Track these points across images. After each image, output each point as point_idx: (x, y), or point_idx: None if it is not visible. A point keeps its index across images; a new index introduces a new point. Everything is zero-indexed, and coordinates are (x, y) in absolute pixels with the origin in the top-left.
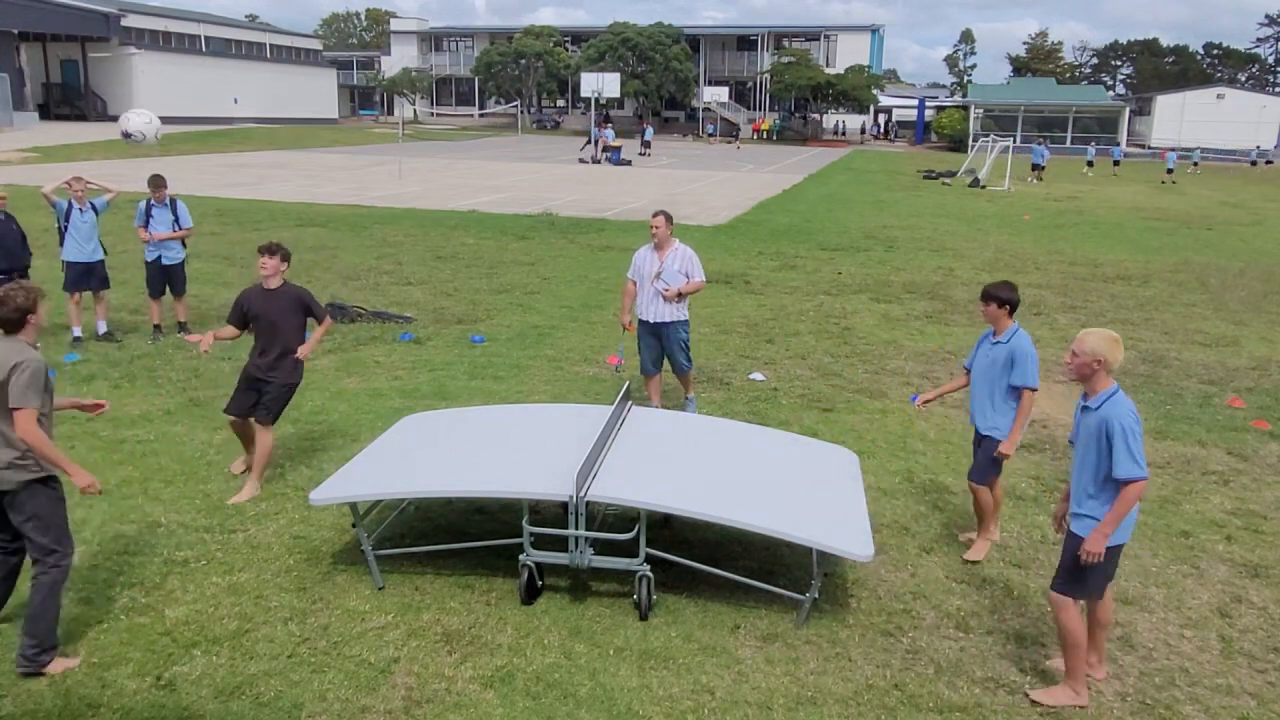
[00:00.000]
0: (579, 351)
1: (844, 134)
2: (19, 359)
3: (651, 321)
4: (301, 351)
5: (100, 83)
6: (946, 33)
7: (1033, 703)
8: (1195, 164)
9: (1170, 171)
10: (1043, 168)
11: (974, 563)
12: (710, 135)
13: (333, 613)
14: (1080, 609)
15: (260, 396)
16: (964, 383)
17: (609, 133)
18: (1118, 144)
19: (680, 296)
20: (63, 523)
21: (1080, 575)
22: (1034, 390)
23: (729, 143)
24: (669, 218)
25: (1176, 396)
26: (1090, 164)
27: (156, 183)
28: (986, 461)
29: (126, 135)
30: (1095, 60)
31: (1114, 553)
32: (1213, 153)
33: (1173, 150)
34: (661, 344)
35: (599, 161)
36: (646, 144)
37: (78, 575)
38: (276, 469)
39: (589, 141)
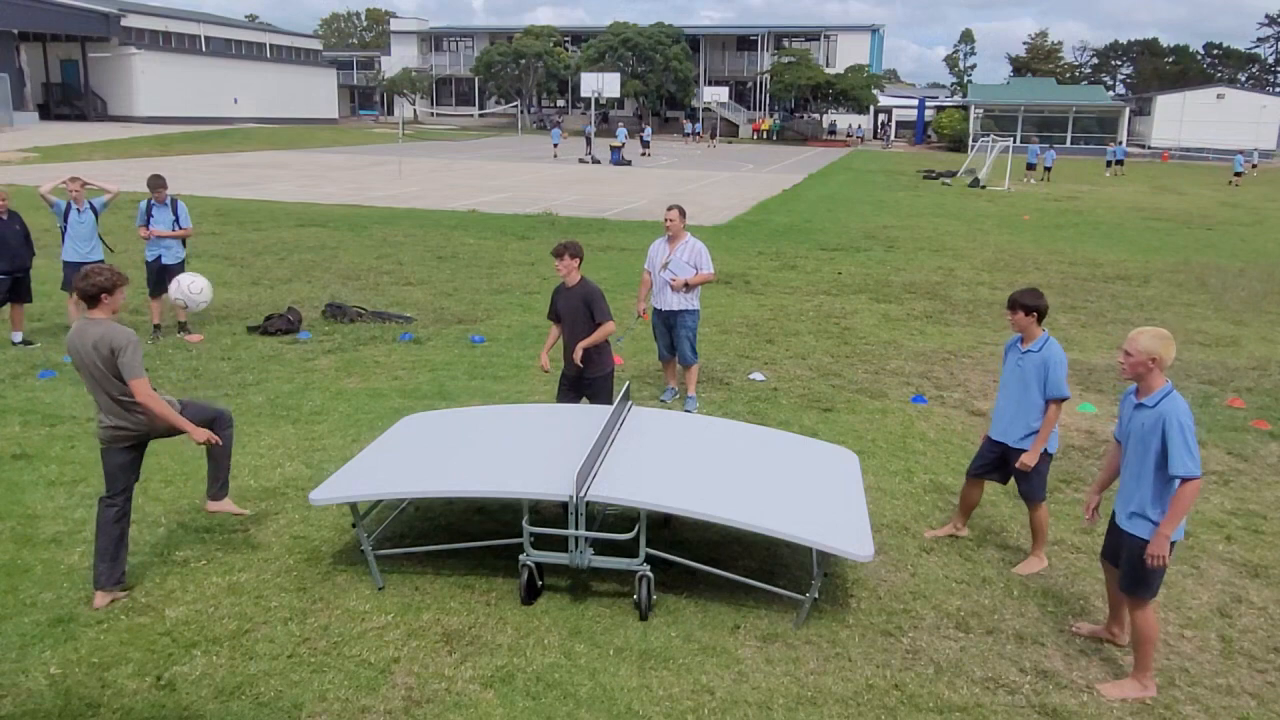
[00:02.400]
0: None
1: (834, 134)
2: (117, 341)
3: (663, 310)
4: (575, 354)
5: (100, 83)
6: (946, 33)
7: (1103, 695)
8: (1254, 165)
9: (1239, 174)
10: (1049, 169)
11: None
12: (695, 134)
13: (333, 613)
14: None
15: (590, 397)
16: None
17: (589, 129)
18: (1119, 143)
19: (688, 287)
20: (118, 477)
21: (1146, 576)
22: (1065, 400)
23: (704, 140)
24: (682, 211)
25: None
26: (1113, 164)
27: (156, 183)
28: (1039, 477)
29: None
30: (1095, 60)
31: (1170, 549)
32: (1213, 153)
33: (1240, 153)
34: (670, 333)
35: (598, 161)
36: (646, 144)
37: (78, 575)
38: (275, 468)
39: (588, 143)
